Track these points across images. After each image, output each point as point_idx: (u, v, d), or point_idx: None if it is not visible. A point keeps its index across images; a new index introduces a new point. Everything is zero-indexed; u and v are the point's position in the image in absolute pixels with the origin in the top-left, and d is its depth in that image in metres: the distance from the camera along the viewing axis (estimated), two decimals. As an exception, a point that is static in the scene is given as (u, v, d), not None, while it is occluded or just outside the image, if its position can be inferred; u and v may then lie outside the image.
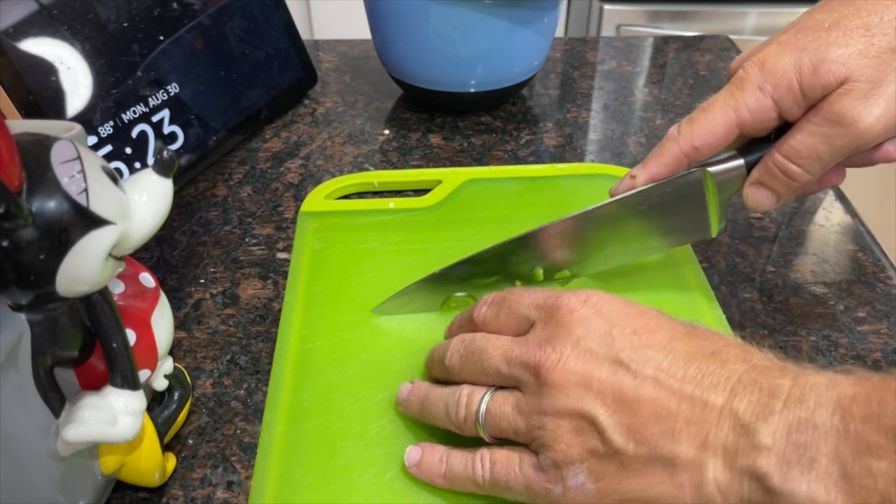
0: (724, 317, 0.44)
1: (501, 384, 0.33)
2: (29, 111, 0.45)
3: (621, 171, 0.56)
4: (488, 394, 0.33)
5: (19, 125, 0.30)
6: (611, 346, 0.30)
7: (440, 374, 0.37)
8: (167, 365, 0.38)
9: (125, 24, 0.51)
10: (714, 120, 0.38)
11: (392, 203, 0.53)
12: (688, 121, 0.40)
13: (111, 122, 0.50)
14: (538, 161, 0.60)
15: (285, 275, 0.49)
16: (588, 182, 0.55)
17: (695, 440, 0.28)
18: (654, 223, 0.42)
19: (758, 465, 0.26)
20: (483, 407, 0.33)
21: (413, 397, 0.37)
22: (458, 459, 0.34)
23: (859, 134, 0.35)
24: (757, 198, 0.40)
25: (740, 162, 0.40)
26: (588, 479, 0.30)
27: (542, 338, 0.32)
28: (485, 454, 0.33)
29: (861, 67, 0.34)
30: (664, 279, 0.47)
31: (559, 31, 1.47)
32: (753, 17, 1.32)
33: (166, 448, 0.37)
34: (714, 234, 0.42)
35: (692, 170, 0.40)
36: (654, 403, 0.29)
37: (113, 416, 0.30)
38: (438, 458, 0.34)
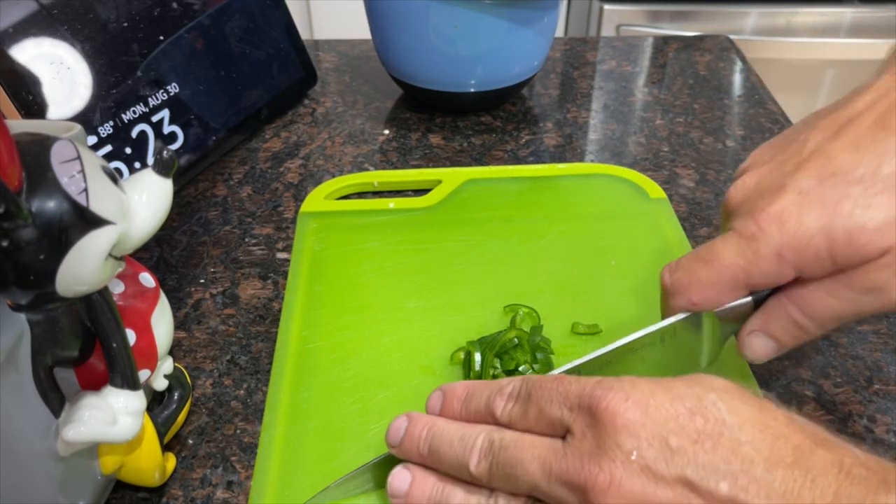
0: (724, 317, 0.44)
1: (538, 498, 0.29)
2: (29, 111, 0.45)
3: (621, 171, 0.56)
4: None
5: (19, 125, 0.30)
6: (671, 461, 0.25)
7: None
8: (167, 365, 0.38)
9: (125, 24, 0.51)
10: (719, 280, 0.32)
11: (392, 203, 0.53)
12: (687, 272, 0.33)
13: (111, 122, 0.50)
14: (538, 161, 0.60)
15: (285, 275, 0.49)
16: (588, 182, 0.55)
17: None
18: (642, 363, 0.36)
19: None
20: None
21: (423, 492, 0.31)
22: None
23: (893, 303, 0.30)
24: (758, 347, 0.34)
25: (748, 299, 0.34)
26: None
27: (585, 450, 0.27)
28: None
29: None
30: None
31: (559, 31, 1.47)
32: (753, 17, 1.32)
33: (166, 448, 0.37)
34: (703, 367, 0.37)
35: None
36: None
37: (113, 416, 0.30)
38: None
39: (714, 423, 0.25)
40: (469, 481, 0.30)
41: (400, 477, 0.32)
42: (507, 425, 0.30)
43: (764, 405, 0.26)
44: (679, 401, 0.26)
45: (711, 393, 0.26)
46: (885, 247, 0.29)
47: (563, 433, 0.28)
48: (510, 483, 0.29)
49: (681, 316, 0.35)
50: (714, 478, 0.24)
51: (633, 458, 0.25)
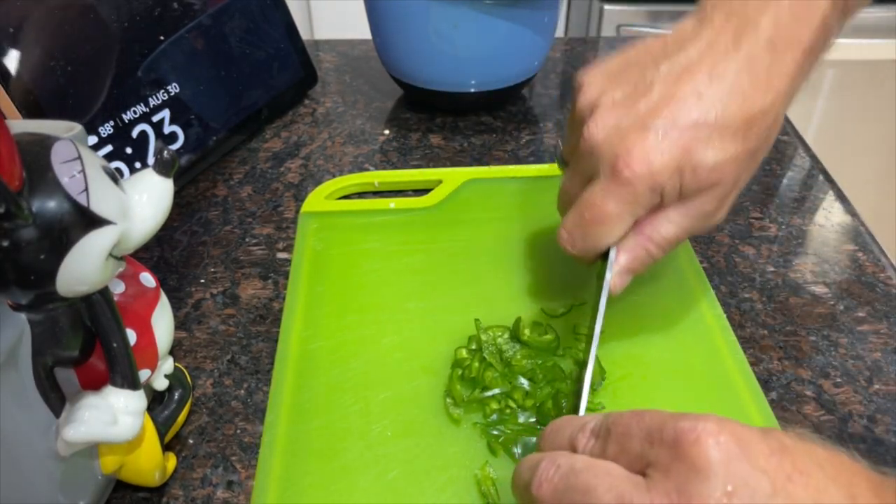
0: (724, 316, 0.44)
1: None
2: (29, 111, 0.45)
3: (621, 171, 0.56)
4: None
5: (20, 125, 0.30)
6: (770, 501, 0.24)
7: (522, 499, 0.29)
8: (167, 365, 0.38)
9: (125, 24, 0.51)
10: (615, 231, 0.37)
11: (392, 203, 0.53)
12: (587, 239, 0.37)
13: (111, 122, 0.50)
14: (538, 161, 0.60)
15: (286, 275, 0.49)
16: (588, 182, 0.55)
17: None
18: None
19: None
20: None
21: None
22: None
23: (714, 225, 0.38)
24: (625, 283, 0.39)
25: None
26: None
27: (671, 488, 0.24)
28: None
29: (729, 172, 0.36)
30: (664, 280, 0.46)
31: (559, 31, 1.47)
32: (753, 17, 1.31)
33: (166, 448, 0.37)
34: None
35: None
36: None
37: (113, 416, 0.30)
38: None
39: (802, 461, 0.25)
40: None
41: None
42: None
43: (857, 471, 0.26)
44: (768, 438, 0.25)
45: (784, 436, 0.26)
46: (715, 181, 0.35)
47: (644, 469, 0.26)
48: None
49: (608, 277, 0.38)
50: None
51: (728, 498, 0.24)
